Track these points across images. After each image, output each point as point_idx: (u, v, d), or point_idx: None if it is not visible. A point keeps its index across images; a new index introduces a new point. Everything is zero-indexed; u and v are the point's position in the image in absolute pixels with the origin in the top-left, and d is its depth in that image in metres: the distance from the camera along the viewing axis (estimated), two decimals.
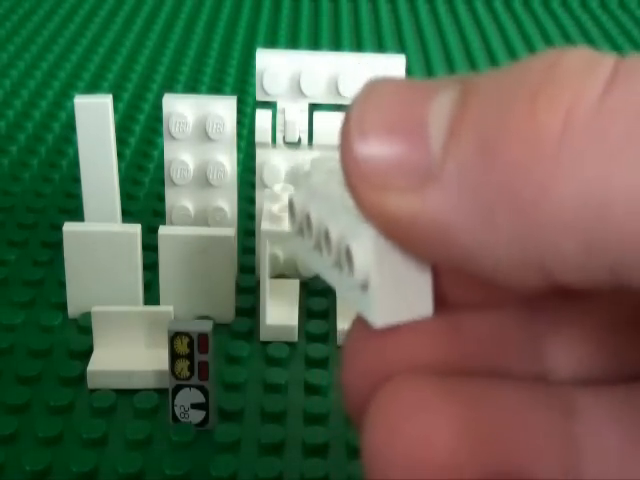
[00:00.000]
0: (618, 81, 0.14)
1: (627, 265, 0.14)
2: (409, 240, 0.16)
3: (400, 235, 0.16)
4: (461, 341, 0.17)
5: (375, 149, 0.15)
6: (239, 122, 0.51)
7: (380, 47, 0.69)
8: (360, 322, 0.17)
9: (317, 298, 0.40)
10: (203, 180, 0.40)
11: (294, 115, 0.39)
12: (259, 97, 0.39)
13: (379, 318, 0.17)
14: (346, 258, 0.16)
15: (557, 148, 0.14)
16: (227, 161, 0.40)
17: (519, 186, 0.14)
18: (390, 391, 0.17)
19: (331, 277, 0.17)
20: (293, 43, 0.69)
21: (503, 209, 0.14)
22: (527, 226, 0.14)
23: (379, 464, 0.16)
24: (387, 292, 0.17)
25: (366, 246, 0.16)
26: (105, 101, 0.37)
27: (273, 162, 0.40)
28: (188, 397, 0.32)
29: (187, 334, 0.31)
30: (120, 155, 0.48)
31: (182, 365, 0.32)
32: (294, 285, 0.40)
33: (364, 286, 0.16)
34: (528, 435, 0.16)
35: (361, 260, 0.16)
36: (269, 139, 0.40)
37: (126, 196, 0.47)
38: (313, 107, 0.40)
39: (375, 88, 0.16)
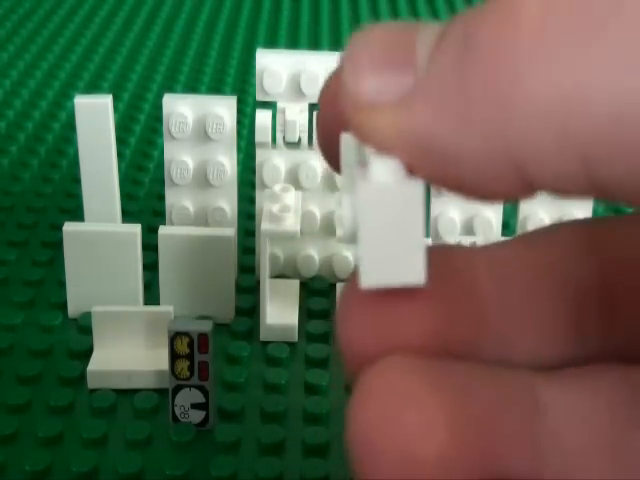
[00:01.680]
0: None
1: (597, 158, 0.14)
2: (399, 155, 0.16)
3: (391, 151, 0.16)
4: (448, 319, 0.18)
5: (368, 79, 0.16)
6: (239, 122, 0.51)
7: None
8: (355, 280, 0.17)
9: (317, 298, 0.40)
10: (203, 180, 0.40)
11: (294, 115, 0.39)
12: (259, 97, 0.39)
13: (365, 278, 0.17)
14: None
15: (535, 35, 0.14)
16: (227, 161, 0.40)
17: (494, 77, 0.14)
18: (379, 377, 0.17)
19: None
20: (293, 43, 0.69)
21: (478, 103, 0.14)
22: (501, 118, 0.14)
23: (369, 455, 0.16)
24: (375, 251, 0.16)
25: (356, 200, 0.16)
26: (105, 101, 0.37)
27: (273, 162, 0.40)
28: (188, 397, 0.32)
29: (187, 334, 0.31)
30: (120, 155, 0.48)
31: (182, 365, 0.32)
32: (294, 285, 0.40)
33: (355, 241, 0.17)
34: (503, 434, 0.17)
35: (348, 214, 0.17)
36: (269, 139, 0.40)
37: (126, 196, 0.47)
38: (313, 107, 0.40)
39: (364, 31, 0.17)
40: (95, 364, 0.35)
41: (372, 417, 0.16)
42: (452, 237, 0.39)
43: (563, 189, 0.15)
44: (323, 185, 0.40)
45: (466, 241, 0.38)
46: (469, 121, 0.15)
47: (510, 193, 0.15)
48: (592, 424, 0.17)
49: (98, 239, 0.37)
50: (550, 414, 0.17)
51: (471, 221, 0.40)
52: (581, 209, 0.40)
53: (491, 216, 0.40)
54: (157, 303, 0.38)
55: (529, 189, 0.15)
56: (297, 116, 0.39)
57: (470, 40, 0.15)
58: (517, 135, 0.14)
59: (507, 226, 0.43)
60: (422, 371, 0.17)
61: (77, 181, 0.43)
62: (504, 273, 0.18)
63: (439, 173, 0.16)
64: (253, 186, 0.44)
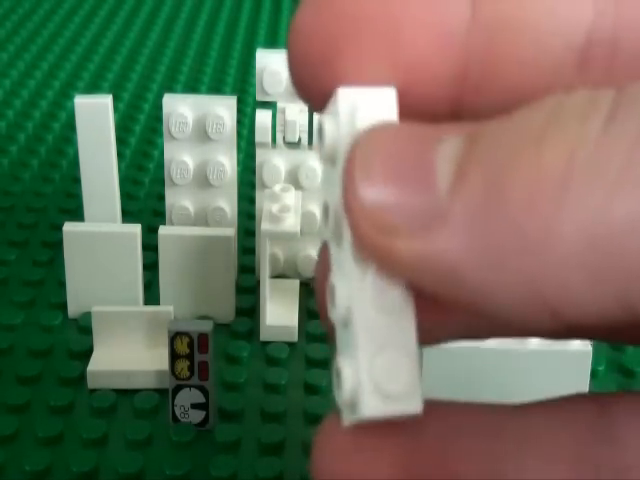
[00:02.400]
0: (618, 114, 0.14)
1: (634, 294, 0.14)
2: (417, 282, 0.16)
3: (408, 277, 0.16)
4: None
5: (382, 194, 0.15)
6: (239, 122, 0.51)
7: None
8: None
9: None
10: (203, 180, 0.40)
11: (294, 115, 0.39)
12: (259, 97, 0.39)
13: (365, 407, 0.16)
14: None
15: (560, 187, 0.14)
16: (227, 161, 0.40)
17: (525, 226, 0.14)
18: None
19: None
20: None
21: (510, 249, 0.14)
22: (534, 265, 0.14)
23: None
24: (373, 375, 0.16)
25: (353, 318, 0.16)
26: (105, 101, 0.37)
27: (273, 162, 0.40)
28: (188, 397, 0.32)
29: (187, 334, 0.31)
30: (120, 155, 0.48)
31: (182, 365, 0.32)
32: (294, 285, 0.40)
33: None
34: None
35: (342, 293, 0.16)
36: (269, 139, 0.40)
37: (126, 196, 0.47)
38: None
39: (378, 132, 0.16)
40: (95, 364, 0.35)
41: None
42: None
43: (598, 324, 0.15)
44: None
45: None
46: (500, 264, 0.14)
47: (542, 330, 0.15)
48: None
49: (98, 239, 0.37)
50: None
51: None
52: None
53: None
54: (157, 303, 0.38)
55: (563, 328, 0.15)
56: (297, 116, 0.39)
57: (495, 187, 0.14)
58: (551, 282, 0.14)
59: None
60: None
61: (77, 181, 0.43)
62: None
63: (464, 303, 0.15)
64: (253, 186, 0.44)
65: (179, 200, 0.40)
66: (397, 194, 0.15)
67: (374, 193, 0.15)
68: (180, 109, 0.39)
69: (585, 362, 0.31)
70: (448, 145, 0.15)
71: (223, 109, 0.39)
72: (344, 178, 0.16)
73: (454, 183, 0.15)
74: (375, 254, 0.16)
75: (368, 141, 0.16)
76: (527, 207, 0.14)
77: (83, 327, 0.37)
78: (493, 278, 0.15)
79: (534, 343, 0.31)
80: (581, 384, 0.31)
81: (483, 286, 0.15)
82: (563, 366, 0.31)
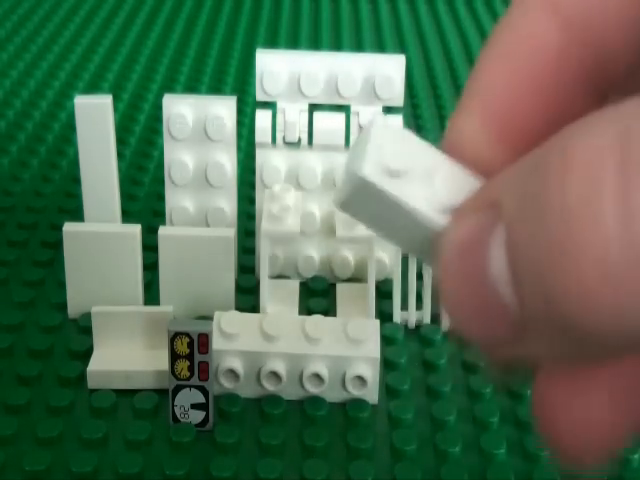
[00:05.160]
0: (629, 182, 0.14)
1: None
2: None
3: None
4: None
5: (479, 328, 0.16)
6: (239, 122, 0.51)
7: (380, 47, 0.69)
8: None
9: (317, 298, 0.40)
10: (203, 180, 0.40)
11: (294, 115, 0.39)
12: (259, 97, 0.39)
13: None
14: None
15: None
16: (227, 161, 0.40)
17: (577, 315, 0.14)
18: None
19: None
20: (293, 43, 0.69)
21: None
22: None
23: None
24: None
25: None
26: (105, 101, 0.37)
27: (273, 162, 0.40)
28: (188, 397, 0.32)
29: (187, 334, 0.31)
30: (120, 155, 0.48)
31: (182, 365, 0.32)
32: (294, 285, 0.40)
33: None
34: None
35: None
36: (269, 139, 0.40)
37: (126, 196, 0.47)
38: (313, 107, 0.40)
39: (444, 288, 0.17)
40: (95, 364, 0.35)
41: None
42: None
43: None
44: (323, 185, 0.40)
45: None
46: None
47: None
48: None
49: (98, 239, 0.37)
50: None
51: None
52: None
53: None
54: (157, 303, 0.38)
55: None
56: (297, 116, 0.39)
57: (548, 296, 0.15)
58: None
59: None
60: None
61: (77, 181, 0.43)
62: None
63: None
64: (253, 186, 0.44)
65: (179, 200, 0.40)
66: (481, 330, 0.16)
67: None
68: (180, 109, 0.39)
69: None
70: (492, 253, 0.16)
71: (223, 109, 0.39)
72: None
73: (514, 293, 0.15)
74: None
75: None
76: (576, 299, 0.14)
77: (83, 327, 0.37)
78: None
79: None
80: None
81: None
82: None
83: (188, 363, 0.32)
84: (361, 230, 0.37)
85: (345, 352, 0.34)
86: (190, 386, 0.32)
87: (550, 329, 0.15)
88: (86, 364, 0.35)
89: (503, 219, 0.15)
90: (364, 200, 0.17)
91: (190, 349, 0.32)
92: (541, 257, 0.14)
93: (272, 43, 0.68)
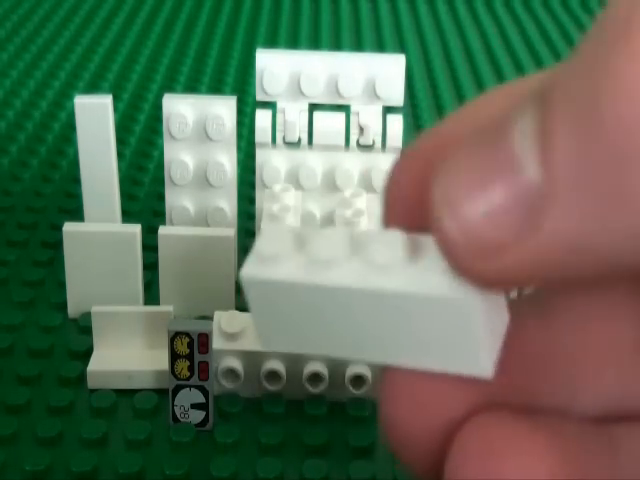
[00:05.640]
0: None
1: None
2: (541, 280, 0.14)
3: (533, 281, 0.14)
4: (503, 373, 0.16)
5: (469, 213, 0.13)
6: (239, 122, 0.51)
7: (380, 47, 0.69)
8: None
9: None
10: (203, 180, 0.40)
11: (294, 115, 0.39)
12: (259, 97, 0.39)
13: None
14: None
15: None
16: (227, 161, 0.40)
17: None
18: (475, 430, 0.16)
19: None
20: (293, 43, 0.69)
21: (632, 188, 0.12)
22: None
23: None
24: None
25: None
26: (105, 101, 0.37)
27: (273, 162, 0.40)
28: (188, 397, 0.32)
29: (187, 334, 0.31)
30: (120, 155, 0.48)
31: (182, 365, 0.32)
32: None
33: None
34: None
35: None
36: (269, 139, 0.40)
37: (126, 196, 0.47)
38: (313, 107, 0.40)
39: (446, 162, 0.14)
40: (95, 364, 0.35)
41: (479, 467, 0.15)
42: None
43: None
44: (323, 185, 0.40)
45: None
46: (623, 213, 0.13)
47: None
48: None
49: (98, 239, 0.37)
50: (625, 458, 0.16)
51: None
52: None
53: None
54: (157, 303, 0.38)
55: None
56: (297, 116, 0.39)
57: (588, 136, 0.12)
58: None
59: None
60: (514, 422, 0.16)
61: (77, 181, 0.43)
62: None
63: (592, 274, 0.14)
64: (253, 186, 0.44)
65: (179, 200, 0.40)
66: (485, 204, 0.13)
67: (460, 217, 0.14)
68: (180, 109, 0.39)
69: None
70: (521, 124, 0.13)
71: (223, 109, 0.39)
72: (433, 220, 0.14)
73: (542, 158, 0.13)
74: (491, 281, 0.14)
75: (439, 174, 0.14)
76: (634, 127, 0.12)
77: (83, 327, 0.37)
78: (621, 234, 0.13)
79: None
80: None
81: (610, 248, 0.13)
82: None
83: (188, 363, 0.32)
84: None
85: None
86: (190, 386, 0.32)
87: (592, 186, 0.12)
88: (86, 364, 0.35)
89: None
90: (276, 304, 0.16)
91: (190, 349, 0.32)
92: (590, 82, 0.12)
93: (272, 43, 0.68)
